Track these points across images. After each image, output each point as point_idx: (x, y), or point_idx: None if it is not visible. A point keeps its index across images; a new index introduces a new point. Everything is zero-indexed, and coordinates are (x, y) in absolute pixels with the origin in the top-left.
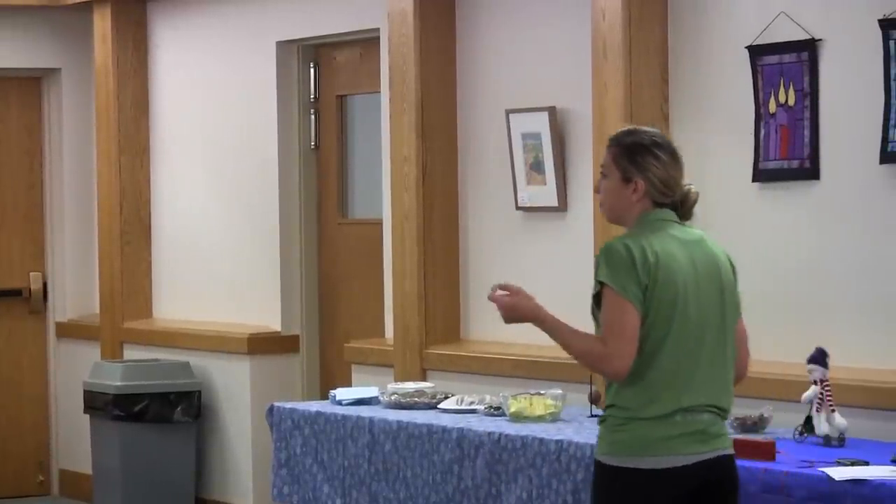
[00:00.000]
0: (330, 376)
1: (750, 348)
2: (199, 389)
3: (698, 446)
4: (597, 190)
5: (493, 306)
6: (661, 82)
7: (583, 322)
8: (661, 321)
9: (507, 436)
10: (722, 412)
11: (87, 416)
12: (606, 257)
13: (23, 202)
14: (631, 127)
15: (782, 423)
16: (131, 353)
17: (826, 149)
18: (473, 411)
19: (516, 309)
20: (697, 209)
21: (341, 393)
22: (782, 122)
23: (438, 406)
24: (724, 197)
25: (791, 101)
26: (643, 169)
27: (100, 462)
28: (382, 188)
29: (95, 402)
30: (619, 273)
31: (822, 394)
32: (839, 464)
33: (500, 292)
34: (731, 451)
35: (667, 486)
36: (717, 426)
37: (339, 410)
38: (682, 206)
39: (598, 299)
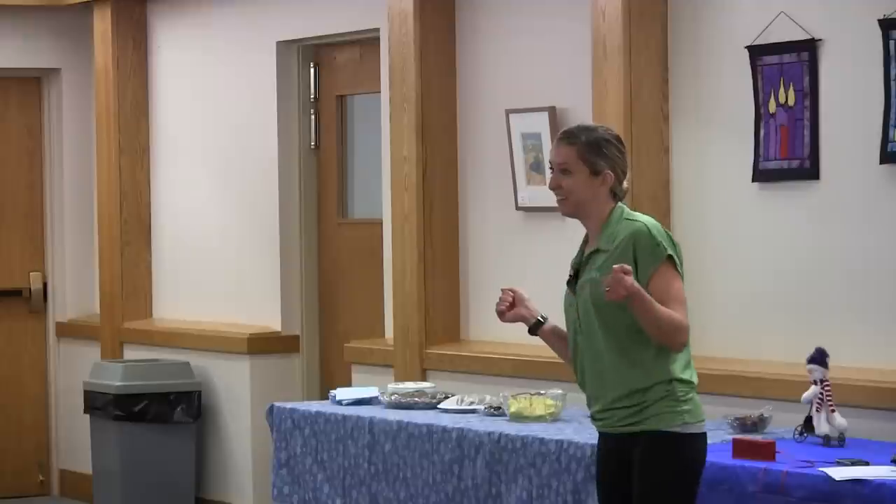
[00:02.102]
0: (330, 376)
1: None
2: (199, 389)
3: None
4: (558, 187)
5: (493, 306)
6: (661, 82)
7: None
8: None
9: (507, 436)
10: None
11: (87, 416)
12: (662, 236)
13: (23, 202)
14: (581, 124)
15: (782, 423)
16: (131, 353)
17: (826, 149)
18: (473, 411)
19: (635, 285)
20: (697, 209)
21: (341, 393)
22: (782, 122)
23: (438, 406)
24: (724, 197)
25: (791, 101)
26: (610, 160)
27: (100, 462)
28: (382, 188)
29: (95, 402)
30: (675, 250)
31: (822, 394)
32: (839, 464)
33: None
34: None
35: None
36: None
37: (339, 410)
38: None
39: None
